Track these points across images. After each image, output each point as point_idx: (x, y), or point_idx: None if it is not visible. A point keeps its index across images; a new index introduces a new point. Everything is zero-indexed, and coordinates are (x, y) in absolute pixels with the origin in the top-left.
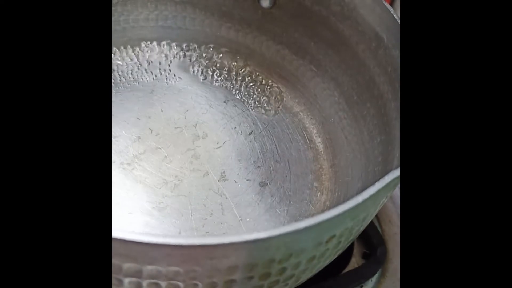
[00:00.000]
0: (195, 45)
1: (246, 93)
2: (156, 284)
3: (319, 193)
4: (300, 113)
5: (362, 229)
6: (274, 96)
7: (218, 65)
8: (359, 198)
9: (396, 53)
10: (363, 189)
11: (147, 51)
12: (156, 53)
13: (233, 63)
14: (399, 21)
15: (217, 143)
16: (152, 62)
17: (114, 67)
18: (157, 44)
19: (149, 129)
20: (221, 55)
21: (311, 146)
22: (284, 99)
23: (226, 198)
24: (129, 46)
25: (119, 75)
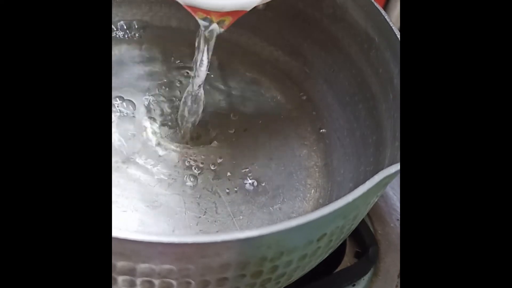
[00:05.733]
0: (190, 47)
1: (240, 93)
2: (150, 282)
3: (312, 190)
4: (294, 112)
5: (353, 227)
6: (268, 96)
7: (212, 65)
8: (349, 197)
9: (388, 54)
10: (355, 189)
11: (142, 51)
12: (151, 52)
13: (227, 64)
14: (390, 24)
15: (211, 142)
16: (146, 61)
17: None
18: (152, 44)
19: (144, 127)
20: (214, 56)
21: (305, 143)
22: (278, 98)
23: (220, 196)
24: (123, 46)
25: (114, 73)
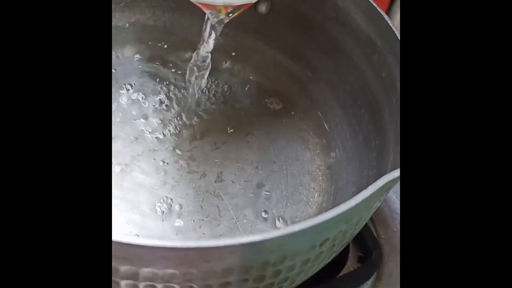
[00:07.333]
0: (193, 50)
1: (243, 95)
2: (152, 286)
3: (316, 194)
4: (296, 115)
5: (356, 232)
6: (270, 99)
7: (214, 69)
8: (352, 202)
9: (390, 58)
10: (358, 193)
11: (145, 55)
12: (154, 56)
13: (230, 67)
14: (393, 27)
15: (215, 144)
16: (149, 64)
17: (112, 69)
18: (154, 48)
19: (147, 130)
20: (217, 59)
21: (308, 147)
22: (281, 102)
23: (223, 200)
24: (126, 49)
25: (116, 76)
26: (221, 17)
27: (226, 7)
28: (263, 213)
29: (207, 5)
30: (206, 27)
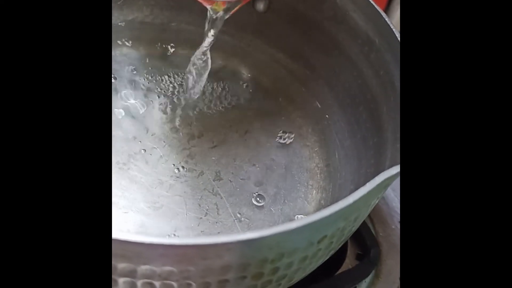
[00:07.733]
0: (191, 48)
1: (241, 94)
2: (150, 284)
3: (314, 192)
4: (295, 113)
5: (354, 229)
6: (269, 98)
7: (213, 67)
8: (349, 199)
9: (388, 56)
10: (356, 190)
11: (143, 52)
12: (152, 54)
13: (229, 66)
14: (391, 26)
15: (212, 143)
16: (147, 62)
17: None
18: (152, 46)
19: (145, 128)
20: (216, 58)
21: (307, 144)
22: (279, 100)
23: (221, 198)
24: (125, 47)
25: (115, 74)
26: (220, 12)
27: (224, 1)
28: (261, 210)
29: (208, 0)
30: (206, 23)
